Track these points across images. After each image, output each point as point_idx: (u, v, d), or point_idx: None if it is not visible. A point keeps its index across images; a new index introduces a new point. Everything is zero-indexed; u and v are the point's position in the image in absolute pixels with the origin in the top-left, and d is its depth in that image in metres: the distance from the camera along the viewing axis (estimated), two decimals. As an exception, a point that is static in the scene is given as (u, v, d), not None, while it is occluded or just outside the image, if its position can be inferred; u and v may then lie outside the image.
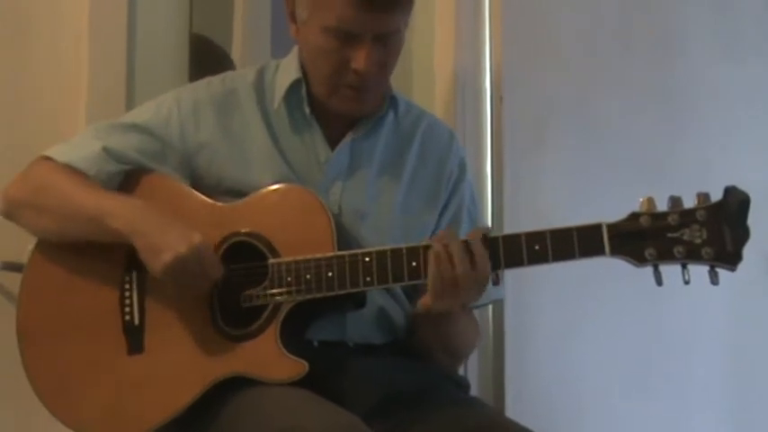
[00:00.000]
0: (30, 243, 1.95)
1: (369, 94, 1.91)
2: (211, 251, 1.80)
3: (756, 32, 2.81)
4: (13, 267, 2.19)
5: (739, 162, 2.61)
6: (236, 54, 2.79)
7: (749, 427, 2.61)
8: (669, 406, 2.51)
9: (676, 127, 2.66)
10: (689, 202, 1.67)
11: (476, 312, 2.12)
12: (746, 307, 2.63)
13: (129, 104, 2.39)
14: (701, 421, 2.56)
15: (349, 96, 1.90)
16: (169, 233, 1.79)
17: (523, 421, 1.79)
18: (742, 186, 1.68)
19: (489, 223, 2.35)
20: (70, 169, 1.89)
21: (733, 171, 2.34)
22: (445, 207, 2.00)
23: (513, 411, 2.02)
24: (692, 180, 2.31)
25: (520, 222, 2.35)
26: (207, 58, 2.70)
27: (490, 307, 2.39)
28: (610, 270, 1.81)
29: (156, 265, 1.77)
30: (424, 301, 1.78)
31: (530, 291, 2.32)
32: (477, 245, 1.71)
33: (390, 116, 1.99)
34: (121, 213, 1.82)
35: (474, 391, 2.10)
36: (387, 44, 1.87)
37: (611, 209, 1.71)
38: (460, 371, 2.23)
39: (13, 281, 2.06)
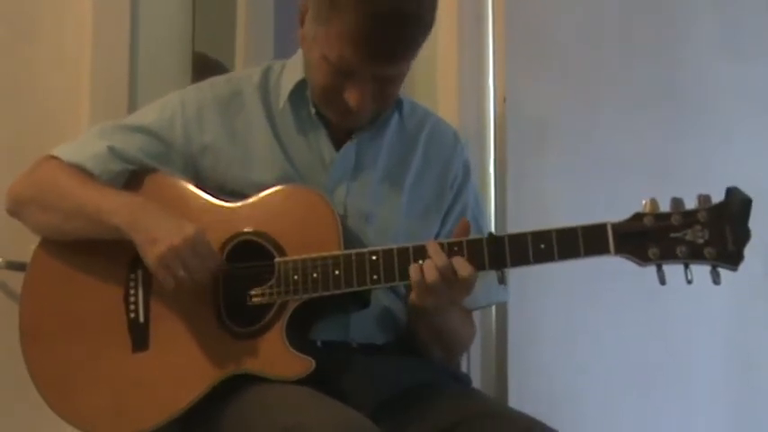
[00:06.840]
0: (33, 243, 1.95)
1: (360, 117, 1.90)
2: (207, 242, 1.79)
3: (759, 32, 2.81)
4: (17, 267, 2.19)
5: (742, 162, 2.61)
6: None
7: (752, 426, 2.61)
8: (671, 404, 2.51)
9: (679, 127, 2.66)
10: (690, 203, 1.69)
11: (479, 310, 2.13)
12: (749, 307, 2.63)
13: (132, 111, 2.39)
14: (703, 420, 2.56)
15: (340, 115, 1.89)
16: (163, 225, 1.78)
17: (525, 419, 1.80)
18: (744, 186, 1.70)
19: (493, 223, 2.35)
20: (75, 168, 1.90)
21: (736, 171, 2.34)
22: (449, 210, 2.01)
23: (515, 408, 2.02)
24: (694, 180, 2.31)
25: (523, 222, 2.35)
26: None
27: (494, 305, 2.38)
28: (612, 269, 1.82)
29: (151, 256, 1.77)
30: (412, 296, 1.80)
31: (533, 289, 2.32)
32: (459, 261, 1.73)
33: (395, 117, 1.99)
34: (121, 210, 1.82)
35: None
36: (386, 84, 1.85)
37: (614, 209, 1.72)
38: (463, 368, 2.23)
39: (16, 280, 2.05)
